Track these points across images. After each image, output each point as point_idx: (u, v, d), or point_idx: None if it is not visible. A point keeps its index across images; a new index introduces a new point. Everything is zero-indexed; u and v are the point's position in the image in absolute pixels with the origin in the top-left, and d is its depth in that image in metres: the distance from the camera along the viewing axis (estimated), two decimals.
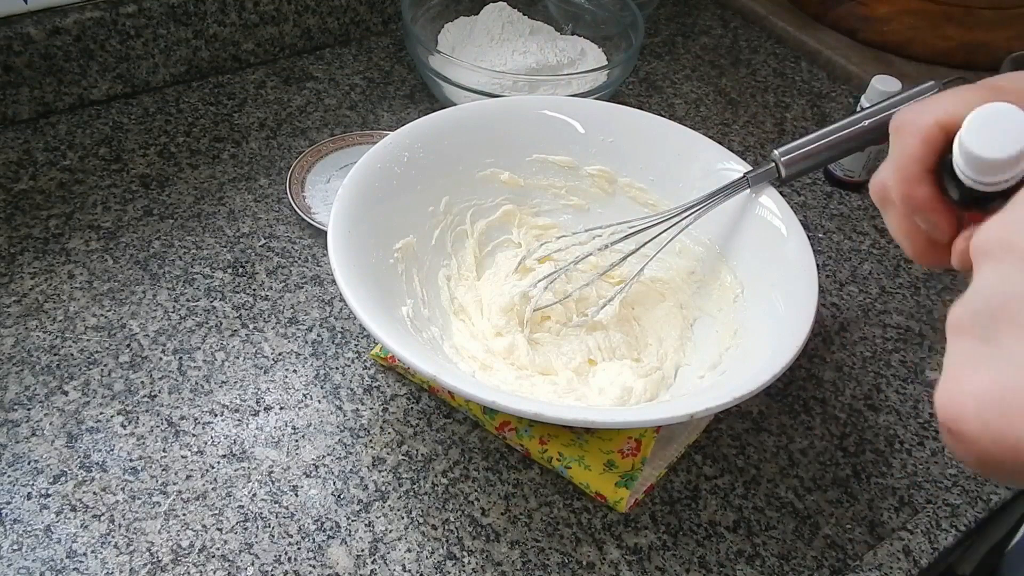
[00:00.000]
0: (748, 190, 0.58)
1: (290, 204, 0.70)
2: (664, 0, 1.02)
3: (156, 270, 0.64)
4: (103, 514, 0.50)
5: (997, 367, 0.26)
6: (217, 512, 0.51)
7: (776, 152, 0.57)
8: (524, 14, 0.86)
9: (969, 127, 0.33)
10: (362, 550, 0.50)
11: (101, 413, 0.55)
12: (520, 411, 0.44)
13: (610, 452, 0.54)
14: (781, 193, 0.59)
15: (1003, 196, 0.32)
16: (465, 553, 0.50)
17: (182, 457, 0.53)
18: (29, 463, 0.52)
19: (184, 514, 0.50)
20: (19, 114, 0.75)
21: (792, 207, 0.58)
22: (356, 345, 0.61)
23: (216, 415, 0.56)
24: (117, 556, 0.48)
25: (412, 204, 0.60)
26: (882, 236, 0.75)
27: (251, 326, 0.61)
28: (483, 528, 0.51)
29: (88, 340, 0.59)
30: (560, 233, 0.65)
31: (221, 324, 0.61)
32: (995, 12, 0.92)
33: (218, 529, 0.50)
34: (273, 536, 0.50)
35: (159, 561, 0.48)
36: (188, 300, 0.62)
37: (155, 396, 0.56)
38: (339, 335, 0.61)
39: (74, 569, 0.48)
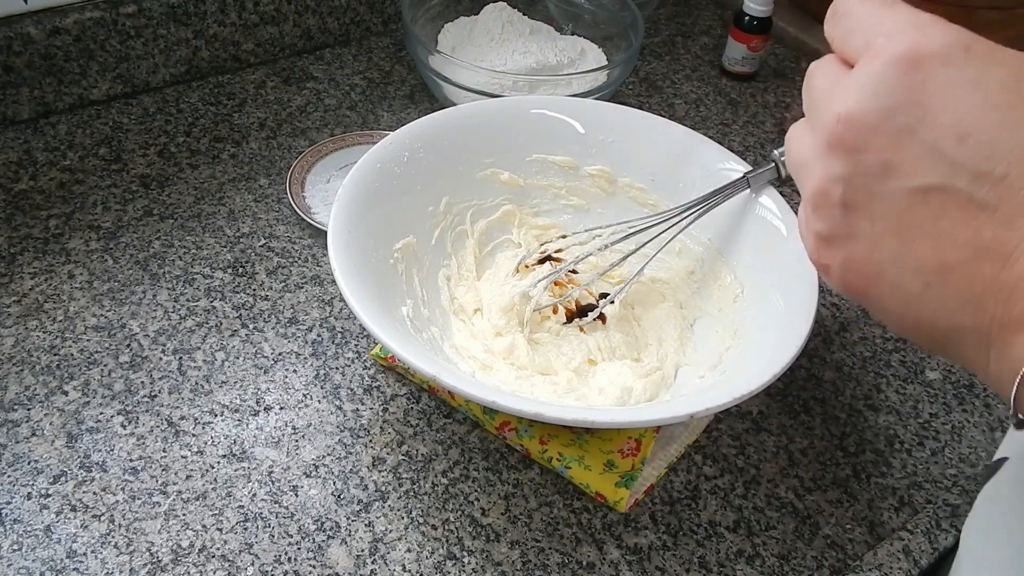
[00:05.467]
0: (748, 190, 0.58)
1: (290, 204, 0.70)
2: (664, 0, 1.02)
3: (156, 270, 0.64)
4: (103, 514, 0.50)
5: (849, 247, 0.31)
6: (217, 512, 0.51)
7: (776, 152, 0.57)
8: (524, 14, 0.86)
9: None
10: (362, 550, 0.50)
11: (101, 413, 0.55)
12: (520, 411, 0.44)
13: (610, 452, 0.54)
14: (781, 193, 0.59)
15: None
16: (465, 553, 0.50)
17: (182, 457, 0.53)
18: (29, 463, 0.52)
19: (184, 514, 0.50)
20: (19, 114, 0.75)
21: (792, 207, 0.58)
22: (356, 345, 0.61)
23: (216, 415, 0.56)
24: (117, 556, 0.48)
25: (412, 204, 0.60)
26: None
27: (251, 326, 0.61)
28: (483, 528, 0.51)
29: (88, 340, 0.59)
30: (560, 233, 0.65)
31: (221, 324, 0.61)
32: (995, 12, 0.92)
33: (218, 529, 0.50)
34: (273, 536, 0.50)
35: (159, 561, 0.48)
36: (188, 300, 0.63)
37: (155, 396, 0.56)
38: (339, 335, 0.61)
39: (74, 569, 0.48)
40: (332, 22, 0.87)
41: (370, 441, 0.55)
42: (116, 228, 0.67)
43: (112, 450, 0.53)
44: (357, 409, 0.57)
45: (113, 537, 0.49)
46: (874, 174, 0.29)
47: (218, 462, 0.53)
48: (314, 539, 0.50)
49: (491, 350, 0.57)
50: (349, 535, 0.50)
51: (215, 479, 0.52)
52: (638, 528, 0.52)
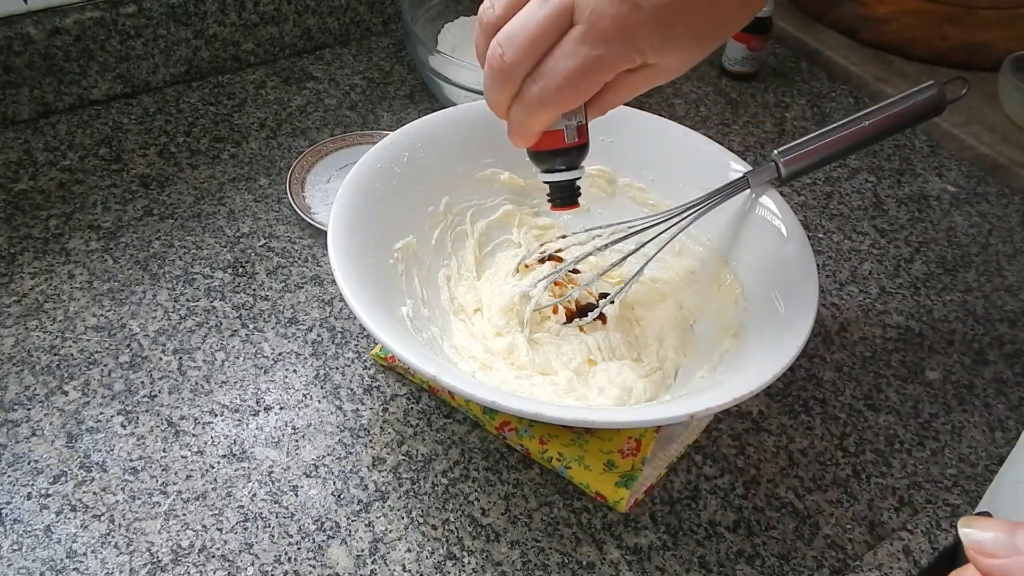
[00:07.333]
0: (748, 190, 0.58)
1: (290, 204, 0.70)
2: None
3: (156, 270, 0.64)
4: (103, 514, 0.50)
5: None
6: (217, 512, 0.51)
7: (776, 152, 0.57)
8: None
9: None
10: (362, 550, 0.50)
11: (101, 413, 0.55)
12: (520, 411, 0.44)
13: (610, 452, 0.54)
14: (781, 193, 0.59)
15: None
16: (465, 553, 0.50)
17: (182, 457, 0.53)
18: (29, 463, 0.52)
19: (184, 514, 0.50)
20: (19, 114, 0.75)
21: (792, 207, 0.58)
22: (356, 345, 0.61)
23: (216, 415, 0.56)
24: (117, 556, 0.48)
25: (412, 204, 0.60)
26: (882, 236, 0.75)
27: (251, 326, 0.61)
28: (483, 528, 0.51)
29: (88, 340, 0.59)
30: (560, 233, 0.65)
31: (221, 324, 0.61)
32: (995, 12, 0.92)
33: (218, 529, 0.50)
34: (273, 536, 0.50)
35: (159, 561, 0.48)
36: (188, 300, 0.63)
37: (155, 396, 0.56)
38: (339, 335, 0.61)
39: (74, 569, 0.48)
40: (332, 22, 0.87)
41: (370, 441, 0.55)
42: (116, 228, 0.67)
43: (112, 450, 0.53)
44: (357, 409, 0.57)
45: (113, 537, 0.49)
46: None
47: (218, 462, 0.53)
48: (314, 539, 0.50)
49: (491, 350, 0.57)
50: (349, 535, 0.50)
51: (215, 479, 0.52)
52: (638, 528, 0.52)
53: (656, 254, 0.57)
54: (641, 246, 0.57)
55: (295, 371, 0.59)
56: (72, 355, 0.58)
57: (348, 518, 0.51)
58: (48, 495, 0.51)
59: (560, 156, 0.48)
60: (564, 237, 0.63)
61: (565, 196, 0.50)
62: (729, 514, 0.54)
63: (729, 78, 0.91)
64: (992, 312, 0.69)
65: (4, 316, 0.60)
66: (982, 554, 0.28)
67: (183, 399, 0.56)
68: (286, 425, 0.55)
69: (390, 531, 0.51)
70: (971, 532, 0.28)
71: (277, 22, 0.83)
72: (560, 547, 0.51)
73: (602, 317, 0.59)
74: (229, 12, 0.80)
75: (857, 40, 0.96)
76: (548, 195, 0.51)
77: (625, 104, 0.58)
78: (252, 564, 0.49)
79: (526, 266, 0.61)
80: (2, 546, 0.48)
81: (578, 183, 0.50)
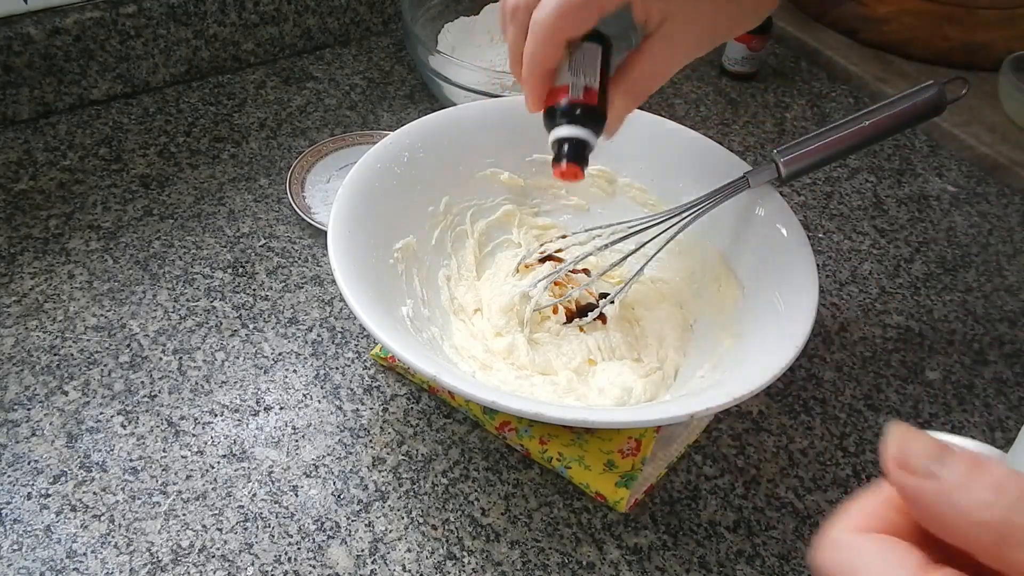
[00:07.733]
0: (748, 190, 0.58)
1: (290, 204, 0.70)
2: None
3: (156, 270, 0.64)
4: (103, 514, 0.50)
5: None
6: (217, 512, 0.51)
7: (776, 152, 0.57)
8: None
9: None
10: (362, 550, 0.50)
11: (101, 413, 0.55)
12: (520, 411, 0.44)
13: (610, 452, 0.54)
14: (781, 193, 0.59)
15: None
16: (465, 553, 0.50)
17: (182, 457, 0.53)
18: (29, 463, 0.52)
19: (184, 514, 0.50)
20: (19, 114, 0.75)
21: (792, 207, 0.58)
22: (356, 345, 0.61)
23: (216, 415, 0.56)
24: (117, 556, 0.48)
25: (412, 204, 0.60)
26: (882, 236, 0.75)
27: (251, 326, 0.61)
28: (483, 528, 0.51)
29: (88, 340, 0.59)
30: (560, 233, 0.65)
31: (221, 324, 0.61)
32: (995, 12, 0.92)
33: (218, 529, 0.50)
34: (273, 536, 0.50)
35: (159, 561, 0.48)
36: (188, 300, 0.63)
37: (155, 396, 0.56)
38: (339, 335, 0.61)
39: (74, 569, 0.48)
40: (332, 22, 0.87)
41: (370, 441, 0.55)
42: (116, 228, 0.67)
43: (112, 450, 0.53)
44: (357, 409, 0.57)
45: (113, 537, 0.49)
46: None
47: (218, 462, 0.53)
48: (314, 539, 0.50)
49: (491, 350, 0.57)
50: (349, 535, 0.50)
51: (215, 479, 0.52)
52: (638, 528, 0.52)
53: (656, 254, 0.58)
54: (641, 246, 0.57)
55: (295, 371, 0.59)
56: (72, 355, 0.58)
57: (348, 518, 0.51)
58: (48, 495, 0.51)
59: (565, 112, 0.47)
60: (564, 237, 0.63)
61: (567, 154, 0.47)
62: (729, 514, 0.54)
63: (729, 78, 0.91)
64: (992, 312, 0.69)
65: (4, 316, 0.60)
66: (903, 468, 0.23)
67: (183, 399, 0.56)
68: (286, 425, 0.55)
69: (390, 531, 0.51)
70: (896, 440, 0.23)
71: (277, 22, 0.83)
72: (560, 547, 0.51)
73: (602, 317, 0.59)
74: (229, 12, 0.80)
75: (857, 40, 0.96)
76: (553, 158, 0.48)
77: None
78: (252, 564, 0.49)
79: (526, 266, 0.61)
80: (2, 546, 0.48)
81: (586, 151, 0.48)
